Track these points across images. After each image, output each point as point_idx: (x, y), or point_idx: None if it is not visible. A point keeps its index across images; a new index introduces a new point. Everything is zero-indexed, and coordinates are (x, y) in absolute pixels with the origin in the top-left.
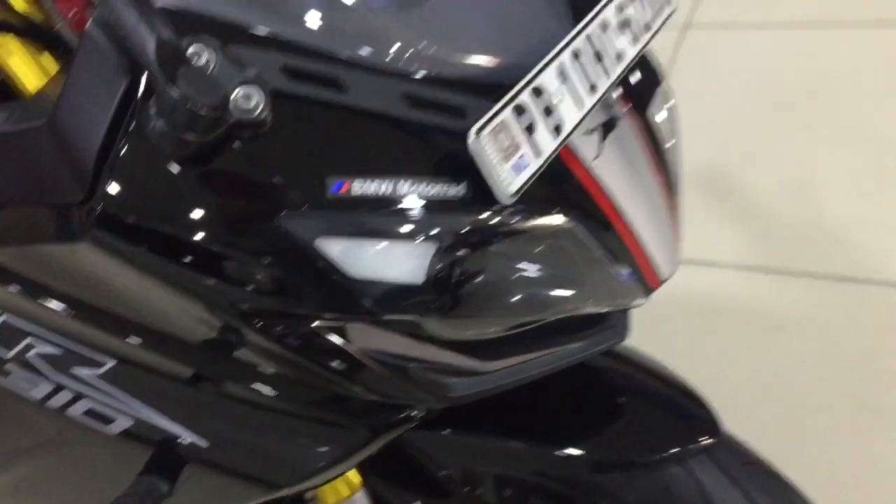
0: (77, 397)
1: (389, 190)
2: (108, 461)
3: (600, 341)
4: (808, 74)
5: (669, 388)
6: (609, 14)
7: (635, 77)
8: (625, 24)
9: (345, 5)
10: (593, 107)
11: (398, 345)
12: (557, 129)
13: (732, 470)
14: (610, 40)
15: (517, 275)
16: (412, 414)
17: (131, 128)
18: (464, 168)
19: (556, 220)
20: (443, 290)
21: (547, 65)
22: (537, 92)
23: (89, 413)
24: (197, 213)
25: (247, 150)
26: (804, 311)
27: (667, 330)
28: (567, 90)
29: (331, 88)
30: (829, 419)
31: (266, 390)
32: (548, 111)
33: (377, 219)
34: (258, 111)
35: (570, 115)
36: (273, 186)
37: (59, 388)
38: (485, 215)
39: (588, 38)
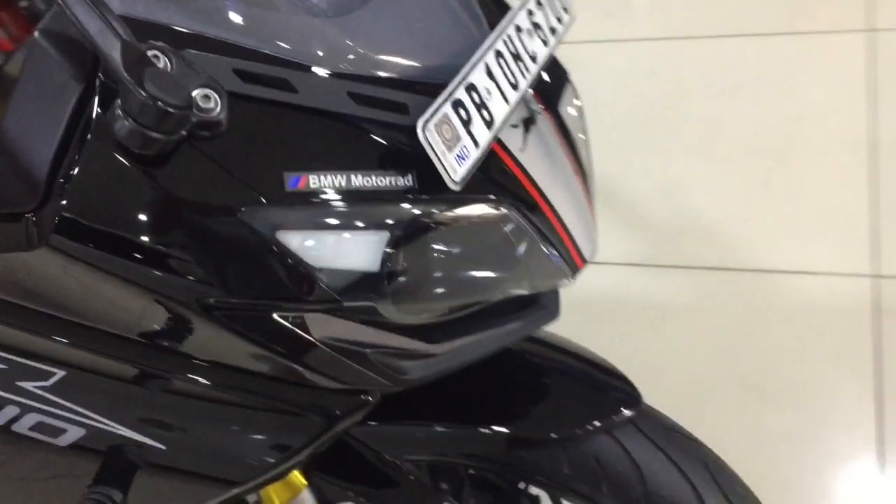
0: (23, 412)
1: (343, 183)
2: (56, 476)
3: (536, 321)
4: (665, 86)
5: (590, 365)
6: (521, 19)
7: (546, 77)
8: (535, 28)
9: (287, 12)
10: (518, 101)
11: (355, 332)
12: (489, 123)
13: (655, 436)
14: (524, 42)
15: (463, 259)
16: (368, 399)
17: (88, 135)
18: (409, 161)
19: (494, 205)
20: (395, 277)
21: (476, 63)
22: (470, 88)
23: (37, 427)
24: (158, 214)
25: (206, 150)
26: (687, 301)
27: (562, 327)
28: (494, 87)
29: (282, 90)
30: (719, 398)
31: (224, 381)
32: (480, 106)
33: (333, 211)
34: (217, 111)
35: (499, 109)
36: (233, 183)
37: (2, 405)
38: (430, 204)
39: (506, 40)
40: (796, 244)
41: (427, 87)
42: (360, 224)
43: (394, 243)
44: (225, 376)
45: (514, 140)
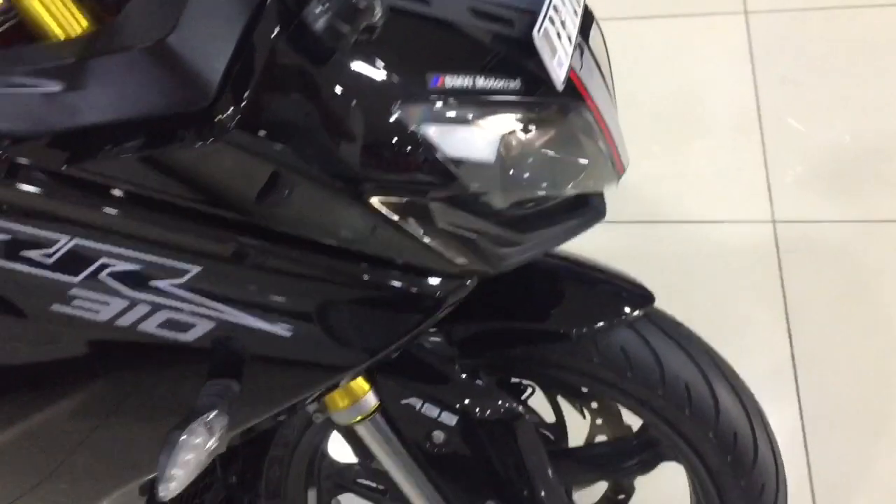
0: (154, 310)
1: (470, 84)
2: (176, 371)
3: (591, 219)
4: None
5: (603, 272)
6: None
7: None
8: None
9: None
10: (578, 25)
11: (467, 220)
12: (570, 38)
13: (667, 329)
14: None
15: (552, 152)
16: (466, 283)
17: (270, 34)
18: (515, 67)
19: (575, 107)
20: (506, 166)
21: None
22: (555, 9)
23: (165, 324)
24: (327, 108)
25: (367, 51)
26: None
27: None
28: (565, 10)
29: (418, 1)
30: None
31: (348, 269)
32: (562, 24)
33: (464, 107)
34: (379, 15)
35: (571, 28)
36: (387, 81)
37: (133, 305)
38: (530, 105)
39: None
40: (704, 199)
41: (524, 6)
42: (483, 119)
43: (506, 136)
44: (351, 262)
45: (574, 58)
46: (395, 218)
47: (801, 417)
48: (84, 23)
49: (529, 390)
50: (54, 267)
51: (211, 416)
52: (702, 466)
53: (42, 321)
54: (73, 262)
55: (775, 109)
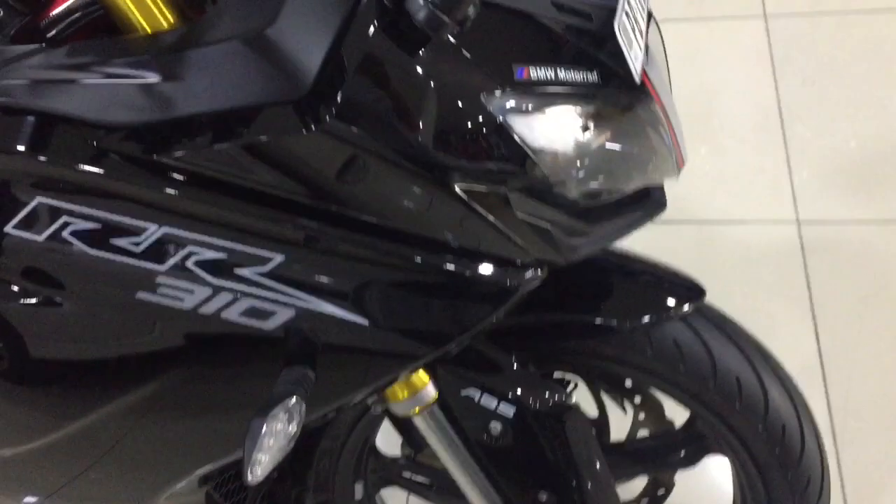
0: (236, 298)
1: (553, 76)
2: (256, 359)
3: (653, 211)
4: None
5: (653, 266)
6: None
7: None
8: None
9: None
10: (647, 23)
11: (543, 210)
12: (642, 33)
13: (718, 322)
14: None
15: (624, 144)
16: (538, 273)
17: (371, 25)
18: (592, 60)
19: (644, 100)
20: (582, 156)
21: None
22: (629, 4)
23: (247, 312)
24: (421, 98)
25: (459, 43)
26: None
27: None
28: (637, 6)
29: None
30: None
31: (429, 258)
32: (635, 20)
33: (547, 99)
34: (473, 8)
35: (642, 24)
36: (476, 72)
37: (216, 293)
38: (609, 95)
39: None
40: (729, 198)
41: (596, 3)
42: (563, 111)
43: (583, 127)
44: (430, 252)
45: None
46: (477, 206)
47: (830, 413)
48: (171, 18)
49: (572, 384)
50: (143, 255)
51: (291, 403)
52: (749, 459)
53: (127, 309)
54: (161, 250)
55: (797, 110)
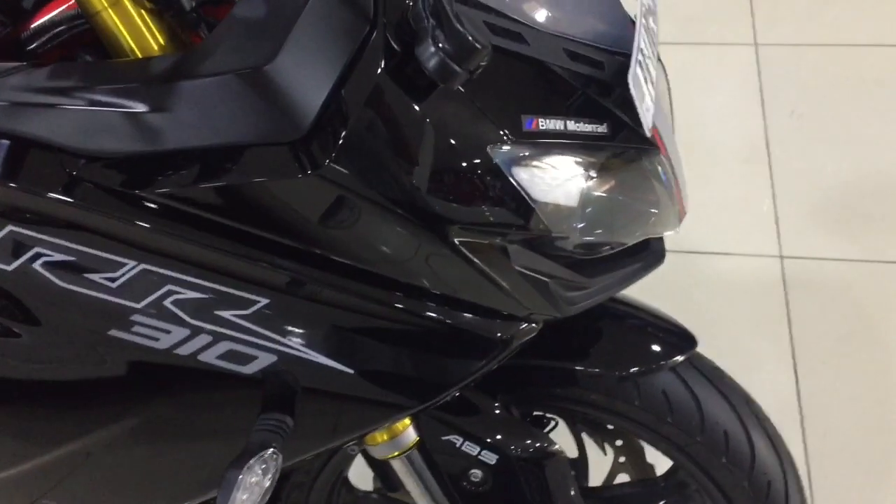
0: (215, 341)
1: (562, 127)
2: (231, 404)
3: (652, 263)
4: None
5: (648, 313)
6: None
7: None
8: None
9: None
10: (657, 67)
11: (541, 263)
12: (652, 83)
13: (708, 374)
14: (648, 19)
15: (629, 198)
16: (534, 326)
17: (377, 70)
18: (603, 111)
19: (649, 153)
20: (586, 212)
21: (640, 32)
22: (642, 52)
23: (226, 355)
24: (425, 147)
25: (467, 91)
26: None
27: None
28: (649, 54)
29: (518, 41)
30: None
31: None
32: (647, 69)
33: (554, 151)
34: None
35: (652, 73)
36: (484, 122)
37: (195, 334)
38: (618, 148)
39: (643, 14)
40: (712, 229)
41: (614, 50)
42: (570, 164)
43: (588, 181)
44: (423, 302)
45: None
46: (474, 258)
47: (806, 456)
48: (161, 41)
49: (553, 423)
50: (118, 292)
51: (267, 454)
52: None
53: (98, 346)
54: (137, 287)
55: (784, 142)
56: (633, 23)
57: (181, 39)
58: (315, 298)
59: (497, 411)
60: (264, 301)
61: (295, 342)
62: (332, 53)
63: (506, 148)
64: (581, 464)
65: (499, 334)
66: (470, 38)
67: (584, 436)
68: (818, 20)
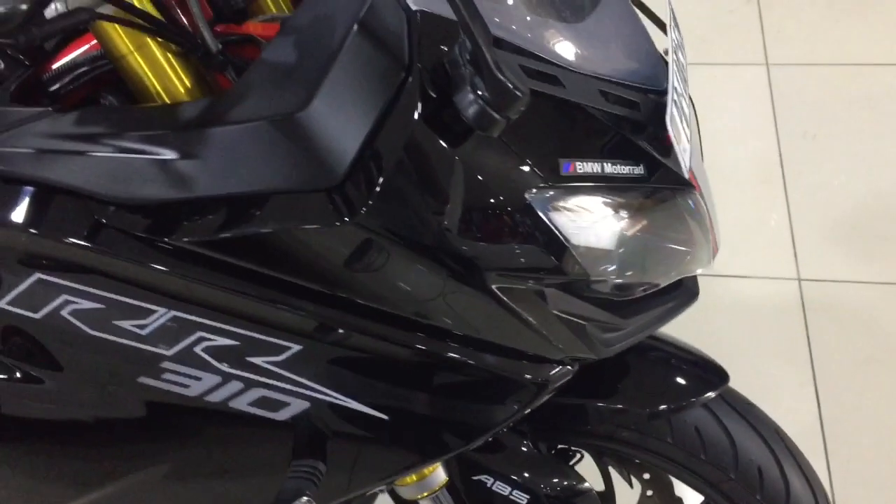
0: (247, 387)
1: (599, 169)
2: (262, 450)
3: (686, 301)
4: None
5: (680, 349)
6: (676, 35)
7: None
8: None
9: (543, 16)
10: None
11: (577, 306)
12: (687, 122)
13: (740, 409)
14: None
15: (665, 238)
16: (569, 369)
17: (413, 116)
18: (639, 152)
19: (687, 192)
20: (624, 253)
21: (675, 71)
22: (676, 91)
23: (258, 402)
24: (463, 192)
25: (504, 137)
26: None
27: None
28: (682, 90)
29: (554, 84)
30: None
31: (456, 352)
32: (682, 108)
33: (591, 194)
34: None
35: (686, 112)
36: (522, 167)
37: (226, 381)
38: (655, 190)
39: (674, 53)
40: (729, 251)
41: (648, 89)
42: (606, 206)
43: (626, 224)
44: (457, 347)
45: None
46: (512, 304)
47: (830, 481)
48: (188, 83)
49: (578, 456)
50: (147, 339)
51: (302, 502)
52: None
53: (127, 392)
54: (168, 334)
55: (798, 163)
56: (664, 58)
57: (207, 82)
58: (347, 344)
59: (524, 448)
60: (296, 347)
61: (327, 388)
62: (367, 99)
63: (546, 193)
64: (608, 498)
65: (535, 378)
66: (510, 86)
67: (610, 469)
68: (827, 38)
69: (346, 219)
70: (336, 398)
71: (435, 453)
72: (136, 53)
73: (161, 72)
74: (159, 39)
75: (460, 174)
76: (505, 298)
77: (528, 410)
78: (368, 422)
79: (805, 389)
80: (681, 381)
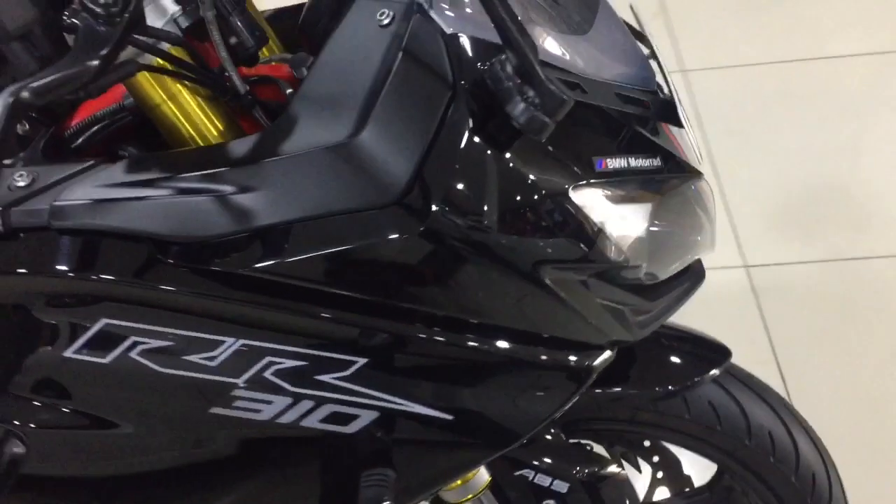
0: (318, 405)
1: (625, 164)
2: (334, 462)
3: (696, 283)
4: None
5: (679, 331)
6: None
7: None
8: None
9: (558, 31)
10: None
11: (615, 293)
12: (687, 116)
13: (746, 381)
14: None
15: (684, 224)
16: (609, 353)
17: (466, 127)
18: (655, 146)
19: (700, 177)
20: (652, 240)
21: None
22: (676, 89)
23: (329, 418)
24: (514, 194)
25: (542, 142)
26: None
27: None
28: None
29: (579, 91)
30: None
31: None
32: (682, 103)
33: (623, 187)
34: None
35: (685, 106)
36: (563, 166)
37: (296, 401)
38: (673, 179)
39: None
40: None
41: (652, 89)
42: (635, 197)
43: (652, 212)
44: (512, 342)
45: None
46: (563, 294)
47: None
48: (220, 126)
49: (587, 448)
50: (217, 370)
51: None
52: None
53: (200, 424)
54: (237, 363)
55: (727, 159)
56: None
57: (237, 123)
58: (409, 351)
59: (563, 441)
60: (363, 360)
61: (394, 395)
62: (420, 118)
63: (585, 189)
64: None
65: (580, 363)
66: (559, 93)
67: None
68: (737, 41)
69: (413, 230)
70: (403, 404)
71: (500, 445)
72: (168, 102)
73: (193, 118)
74: (188, 84)
75: (510, 178)
76: (558, 290)
77: (577, 396)
78: (434, 424)
79: (769, 369)
80: (688, 360)
